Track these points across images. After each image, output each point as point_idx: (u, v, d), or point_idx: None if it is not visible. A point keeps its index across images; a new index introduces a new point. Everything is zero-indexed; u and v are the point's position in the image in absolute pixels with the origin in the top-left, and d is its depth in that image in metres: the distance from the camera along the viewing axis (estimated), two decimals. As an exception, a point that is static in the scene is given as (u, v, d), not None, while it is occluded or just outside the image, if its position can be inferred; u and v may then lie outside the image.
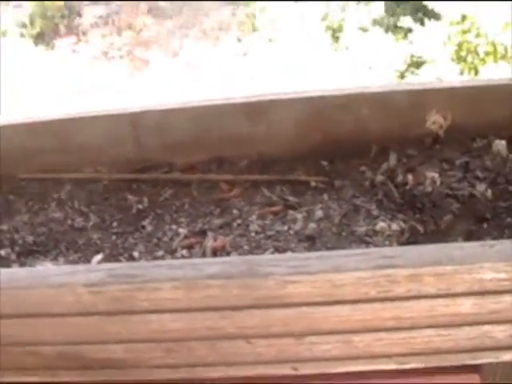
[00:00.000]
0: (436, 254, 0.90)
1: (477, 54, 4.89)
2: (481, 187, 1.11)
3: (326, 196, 1.21)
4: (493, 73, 4.67)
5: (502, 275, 0.89)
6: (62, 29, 6.07)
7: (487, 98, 1.19)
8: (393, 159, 1.21)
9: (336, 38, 6.63)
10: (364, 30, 6.70)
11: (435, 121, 1.15)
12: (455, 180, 1.14)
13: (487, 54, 4.77)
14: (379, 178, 1.19)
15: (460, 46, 4.97)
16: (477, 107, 1.18)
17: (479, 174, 1.14)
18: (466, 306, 0.90)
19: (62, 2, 6.34)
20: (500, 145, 1.15)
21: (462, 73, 4.84)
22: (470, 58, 4.91)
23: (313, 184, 1.23)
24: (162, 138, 1.31)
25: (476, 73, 4.82)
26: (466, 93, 1.19)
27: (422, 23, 5.39)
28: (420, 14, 5.53)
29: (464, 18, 4.91)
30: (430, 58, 5.05)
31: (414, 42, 5.40)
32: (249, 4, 6.78)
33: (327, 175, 1.25)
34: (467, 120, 1.19)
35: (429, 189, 1.13)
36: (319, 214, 1.16)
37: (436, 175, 1.14)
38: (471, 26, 4.92)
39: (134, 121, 1.31)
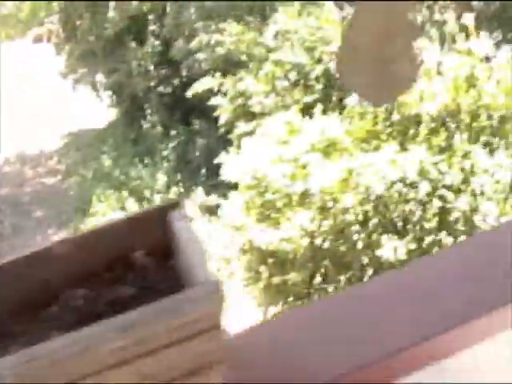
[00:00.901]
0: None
1: (278, 209, 5.15)
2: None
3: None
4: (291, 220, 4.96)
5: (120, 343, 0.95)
6: None
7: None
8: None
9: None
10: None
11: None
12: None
13: (285, 205, 5.04)
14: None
15: (263, 206, 5.24)
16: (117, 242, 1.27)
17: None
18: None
19: None
20: (141, 258, 1.26)
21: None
22: (273, 215, 5.18)
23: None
24: None
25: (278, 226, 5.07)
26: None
27: (225, 197, 5.71)
28: (221, 189, 5.86)
29: (258, 179, 5.19)
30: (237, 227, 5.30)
31: (224, 216, 5.69)
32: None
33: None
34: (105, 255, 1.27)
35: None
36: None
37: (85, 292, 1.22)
38: (267, 186, 5.20)
39: None
